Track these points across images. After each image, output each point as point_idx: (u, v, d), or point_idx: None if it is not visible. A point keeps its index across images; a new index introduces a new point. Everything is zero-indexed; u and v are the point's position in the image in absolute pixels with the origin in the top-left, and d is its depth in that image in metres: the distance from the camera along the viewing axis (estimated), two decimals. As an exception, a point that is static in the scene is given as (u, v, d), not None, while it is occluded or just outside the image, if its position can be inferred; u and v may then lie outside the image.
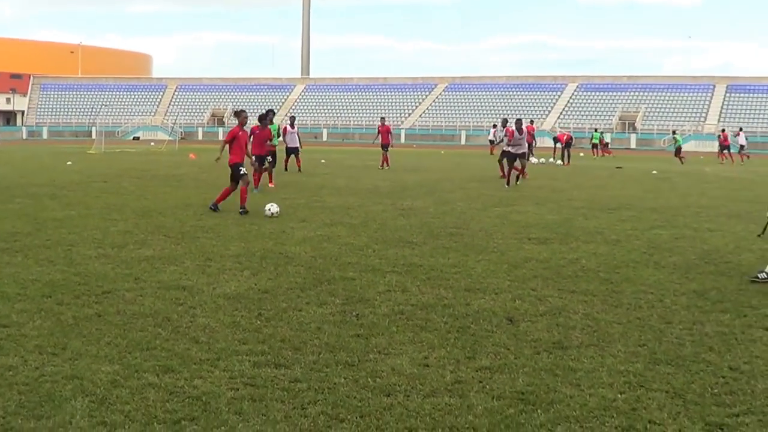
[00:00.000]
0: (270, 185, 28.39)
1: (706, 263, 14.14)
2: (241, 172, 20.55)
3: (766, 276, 12.38)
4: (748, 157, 66.23)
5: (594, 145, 71.75)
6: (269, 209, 19.52)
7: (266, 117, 27.22)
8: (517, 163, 32.03)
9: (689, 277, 12.94)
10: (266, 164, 27.46)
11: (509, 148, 31.36)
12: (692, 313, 10.47)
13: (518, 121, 31.92)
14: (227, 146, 21.06)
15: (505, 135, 32.40)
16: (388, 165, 40.95)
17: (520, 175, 32.95)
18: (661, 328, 9.66)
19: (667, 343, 9.05)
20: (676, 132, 70.09)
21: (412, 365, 7.99)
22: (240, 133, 20.80)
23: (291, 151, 37.20)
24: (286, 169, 36.32)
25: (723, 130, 69.50)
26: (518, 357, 8.34)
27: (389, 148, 42.11)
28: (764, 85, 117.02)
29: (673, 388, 7.50)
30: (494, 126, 44.80)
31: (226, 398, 6.95)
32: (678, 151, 61.25)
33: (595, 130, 77.06)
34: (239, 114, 21.52)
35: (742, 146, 66.65)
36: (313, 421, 6.50)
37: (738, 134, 69.93)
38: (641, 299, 11.20)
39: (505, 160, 31.89)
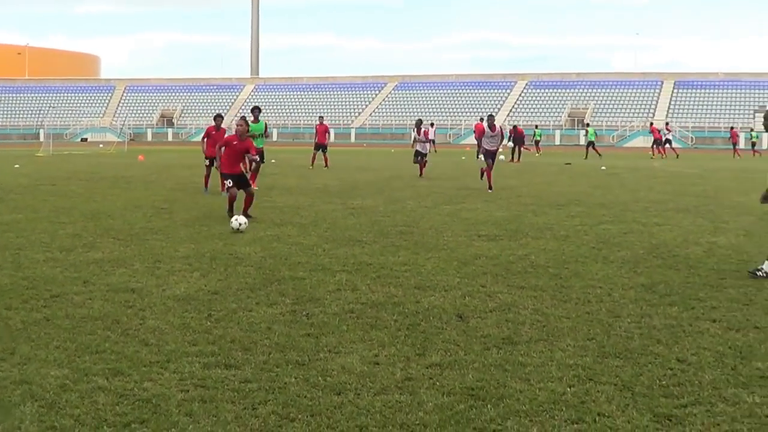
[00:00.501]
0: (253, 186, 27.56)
1: (654, 257, 14.26)
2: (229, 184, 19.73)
3: (765, 274, 12.46)
4: (664, 152, 67.10)
5: (536, 142, 72.94)
6: (238, 224, 17.14)
7: (221, 117, 27.45)
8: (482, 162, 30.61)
9: (637, 271, 13.05)
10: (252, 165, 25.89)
11: (486, 146, 29.71)
12: (640, 307, 10.56)
13: (490, 117, 30.66)
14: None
15: (474, 132, 32.21)
16: (327, 165, 40.45)
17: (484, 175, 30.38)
18: (609, 322, 9.73)
19: (615, 336, 9.12)
20: (590, 125, 71.21)
21: (362, 363, 7.99)
22: (234, 142, 19.68)
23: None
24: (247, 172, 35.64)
25: (651, 124, 70.51)
26: (468, 353, 8.37)
27: (327, 148, 41.71)
28: (711, 80, 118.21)
29: (622, 381, 7.55)
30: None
31: (176, 400, 6.92)
32: (590, 145, 62.72)
33: (536, 127, 78.13)
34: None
35: (668, 140, 67.40)
36: (264, 421, 6.49)
37: (666, 129, 70.73)
38: (590, 294, 11.28)
39: (489, 161, 29.58)
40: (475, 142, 63.66)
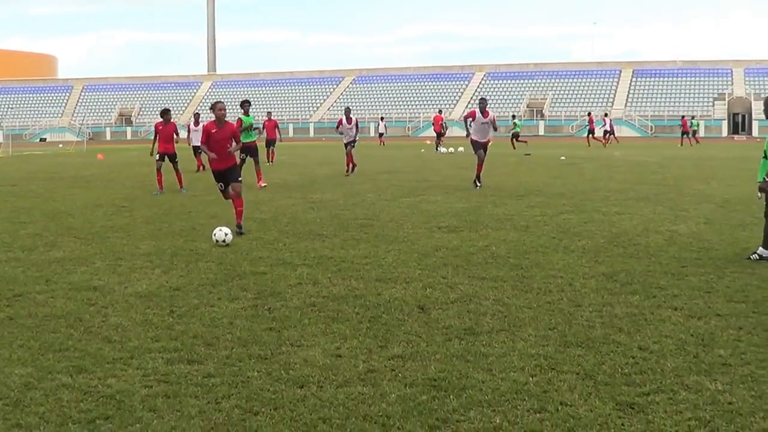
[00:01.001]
0: (260, 184, 26.81)
1: (614, 246, 14.34)
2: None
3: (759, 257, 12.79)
4: (616, 140, 67.93)
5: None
6: (224, 236, 14.83)
7: (169, 112, 26.96)
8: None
9: (598, 260, 13.12)
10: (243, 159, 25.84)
11: (476, 136, 26.24)
12: (602, 296, 10.62)
13: (482, 101, 26.64)
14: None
15: (467, 118, 26.28)
16: (272, 161, 39.86)
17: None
18: (571, 311, 9.79)
19: (577, 325, 9.17)
20: (516, 117, 71.96)
21: (324, 356, 8.01)
22: (212, 130, 16.84)
23: (197, 149, 34.77)
24: (198, 171, 34.90)
25: (589, 113, 71.40)
26: (430, 344, 8.39)
27: (275, 144, 40.56)
28: (669, 69, 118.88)
29: (584, 370, 7.60)
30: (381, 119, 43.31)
31: (140, 396, 6.91)
32: (515, 136, 63.98)
33: (513, 117, 78.46)
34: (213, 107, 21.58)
35: (606, 131, 68.20)
36: (228, 415, 6.49)
37: (604, 118, 71.52)
38: (551, 283, 11.34)
39: (480, 152, 26.28)
40: (434, 135, 64.04)
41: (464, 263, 12.85)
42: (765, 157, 13.07)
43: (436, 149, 58.18)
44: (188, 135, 36.31)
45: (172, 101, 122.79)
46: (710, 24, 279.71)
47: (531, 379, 7.34)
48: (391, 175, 32.01)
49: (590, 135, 66.04)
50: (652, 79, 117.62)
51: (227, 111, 16.53)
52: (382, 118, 79.98)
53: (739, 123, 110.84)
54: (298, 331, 8.92)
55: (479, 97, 28.03)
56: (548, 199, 22.27)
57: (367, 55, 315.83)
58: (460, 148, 56.05)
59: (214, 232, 14.85)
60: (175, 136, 26.68)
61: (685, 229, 16.36)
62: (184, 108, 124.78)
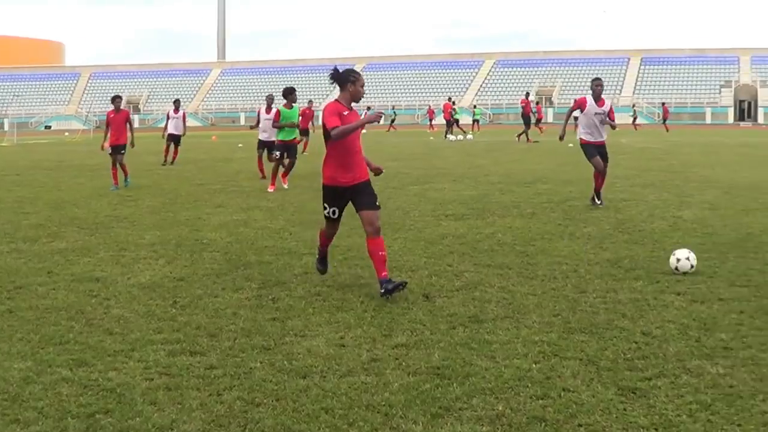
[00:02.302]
0: (284, 184, 23.07)
1: (620, 232, 14.33)
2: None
3: None
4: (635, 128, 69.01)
5: (475, 121, 75.07)
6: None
7: (119, 98, 24.43)
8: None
9: (603, 246, 13.11)
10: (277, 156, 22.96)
11: (587, 136, 18.68)
12: (606, 282, 10.62)
13: (597, 82, 18.65)
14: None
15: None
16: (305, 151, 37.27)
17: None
18: (575, 298, 9.79)
19: (581, 312, 9.17)
20: (477, 107, 72.80)
21: (328, 346, 7.99)
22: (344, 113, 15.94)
23: (172, 138, 33.73)
24: (164, 163, 33.55)
25: (450, 100, 72.66)
26: (434, 332, 8.37)
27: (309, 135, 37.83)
28: (678, 56, 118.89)
29: (587, 356, 7.59)
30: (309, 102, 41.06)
31: (140, 389, 6.87)
32: (475, 122, 67.69)
33: (475, 107, 79.22)
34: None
35: (476, 121, 70.76)
36: (229, 407, 6.46)
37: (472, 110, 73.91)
38: (556, 270, 11.33)
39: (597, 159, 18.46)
40: (444, 123, 63.99)
41: (470, 251, 12.83)
42: None
43: (445, 136, 58.17)
44: (166, 122, 34.65)
45: (181, 89, 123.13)
46: (718, 12, 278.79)
47: (534, 365, 7.33)
48: (399, 163, 32.01)
49: (448, 125, 65.98)
50: (660, 66, 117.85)
51: (231, 97, 16.54)
52: (369, 107, 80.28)
53: (745, 110, 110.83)
54: (302, 321, 8.90)
55: (592, 78, 19.03)
56: (555, 186, 22.27)
57: (378, 43, 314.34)
58: (469, 136, 56.04)
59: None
60: (127, 125, 24.06)
61: (689, 215, 16.34)
62: (192, 96, 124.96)
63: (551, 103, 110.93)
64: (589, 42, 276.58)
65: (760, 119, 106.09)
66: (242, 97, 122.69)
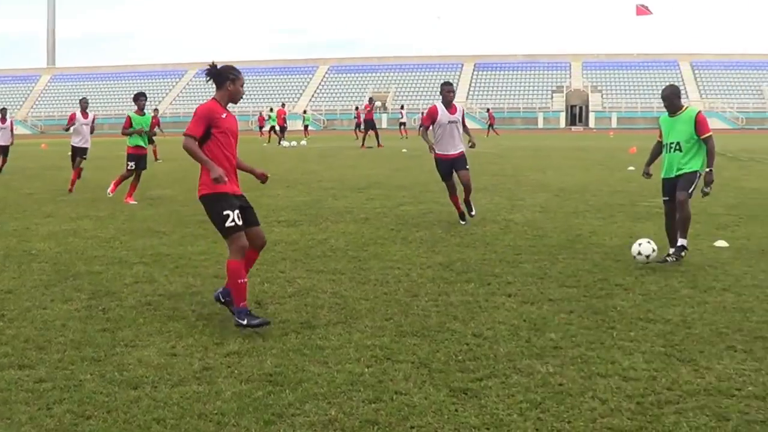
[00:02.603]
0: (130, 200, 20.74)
1: (451, 236, 14.53)
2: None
3: (674, 259, 12.20)
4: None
5: (305, 126, 76.45)
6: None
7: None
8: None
9: (435, 250, 13.27)
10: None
11: (441, 149, 16.57)
12: (438, 285, 10.75)
13: (446, 87, 16.56)
14: None
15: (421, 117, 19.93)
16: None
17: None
18: (407, 301, 9.88)
19: (413, 315, 9.26)
20: (306, 112, 74.12)
21: (159, 356, 7.89)
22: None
23: (0, 149, 30.60)
24: None
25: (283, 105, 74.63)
26: (266, 339, 8.35)
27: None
28: (510, 62, 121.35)
29: (419, 359, 7.67)
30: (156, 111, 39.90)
31: (-34, 404, 6.69)
32: (306, 128, 69.12)
33: (305, 112, 79.89)
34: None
35: (401, 123, 73.92)
36: (59, 421, 6.32)
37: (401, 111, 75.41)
38: (388, 275, 11.43)
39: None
40: (268, 130, 63.97)
41: (303, 257, 12.84)
42: (676, 148, 12.37)
43: (279, 143, 58.11)
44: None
45: (8, 96, 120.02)
46: (549, 19, 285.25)
47: (367, 369, 7.38)
48: (233, 170, 31.68)
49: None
50: (493, 72, 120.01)
51: (62, 104, 16.05)
52: (402, 107, 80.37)
53: (576, 115, 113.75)
54: (133, 331, 8.76)
55: (442, 82, 16.88)
56: (388, 191, 22.44)
57: (210, 48, 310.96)
58: (303, 142, 56.08)
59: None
60: None
61: (520, 218, 16.68)
62: (21, 104, 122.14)
63: (385, 108, 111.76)
64: (424, 48, 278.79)
65: (591, 124, 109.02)
66: (73, 103, 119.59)
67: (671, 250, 12.30)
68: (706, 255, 12.68)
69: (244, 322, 8.60)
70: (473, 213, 16.52)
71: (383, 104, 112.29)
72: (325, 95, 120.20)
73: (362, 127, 57.51)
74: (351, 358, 7.72)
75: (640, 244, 12.07)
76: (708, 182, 12.12)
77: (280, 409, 6.49)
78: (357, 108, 72.00)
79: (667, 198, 12.60)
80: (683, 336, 8.39)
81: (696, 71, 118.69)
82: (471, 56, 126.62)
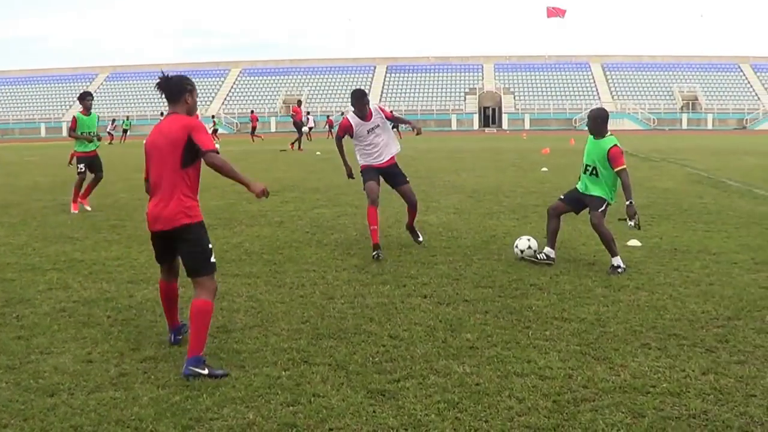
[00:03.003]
0: (83, 204, 20.16)
1: (366, 239, 14.50)
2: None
3: (545, 257, 12.30)
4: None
5: (215, 131, 75.78)
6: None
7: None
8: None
9: (351, 252, 13.32)
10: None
11: (364, 159, 14.24)
12: (354, 287, 10.80)
13: (357, 95, 13.92)
14: None
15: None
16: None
17: None
18: (323, 304, 9.92)
19: (329, 318, 9.31)
20: (215, 116, 75.37)
21: (75, 362, 7.84)
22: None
23: None
24: None
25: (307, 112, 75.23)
26: (182, 344, 8.31)
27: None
28: (423, 65, 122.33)
29: (336, 361, 7.73)
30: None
31: None
32: (215, 132, 69.15)
33: (213, 116, 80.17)
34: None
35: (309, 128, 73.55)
36: (-26, 431, 6.29)
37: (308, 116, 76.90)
38: (304, 277, 11.46)
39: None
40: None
41: (217, 261, 12.70)
42: (592, 173, 12.24)
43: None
44: None
45: None
46: (461, 21, 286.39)
47: (284, 372, 7.41)
48: (143, 174, 31.37)
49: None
50: (406, 74, 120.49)
51: None
52: (308, 113, 79.70)
53: (489, 116, 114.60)
54: (48, 338, 8.69)
55: (353, 89, 14.31)
56: (303, 194, 22.45)
57: (120, 52, 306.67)
58: (216, 145, 55.71)
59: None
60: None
61: (435, 220, 16.80)
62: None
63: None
64: (337, 50, 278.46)
65: (504, 125, 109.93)
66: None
67: (546, 249, 12.44)
68: (620, 254, 12.88)
69: (205, 372, 7.40)
70: (420, 239, 14.29)
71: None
72: (237, 98, 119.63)
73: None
74: (268, 361, 7.74)
75: (520, 239, 12.32)
76: (631, 215, 11.83)
77: (197, 413, 6.50)
78: (308, 112, 72.32)
79: (562, 198, 12.67)
80: (598, 334, 8.55)
81: (607, 73, 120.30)
82: (383, 58, 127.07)
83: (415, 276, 11.42)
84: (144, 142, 8.49)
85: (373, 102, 15.09)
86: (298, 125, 53.50)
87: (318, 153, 44.85)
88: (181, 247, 8.19)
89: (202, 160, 8.26)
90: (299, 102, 58.44)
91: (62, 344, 8.48)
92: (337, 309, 9.68)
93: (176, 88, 8.22)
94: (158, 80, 8.22)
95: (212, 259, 8.16)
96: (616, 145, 11.96)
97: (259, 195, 8.27)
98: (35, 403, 6.81)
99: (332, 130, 76.04)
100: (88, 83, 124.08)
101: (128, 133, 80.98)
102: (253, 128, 73.16)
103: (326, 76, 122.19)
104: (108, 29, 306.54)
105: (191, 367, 7.36)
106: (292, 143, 52.81)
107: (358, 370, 7.45)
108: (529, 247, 12.29)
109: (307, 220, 17.22)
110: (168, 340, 8.46)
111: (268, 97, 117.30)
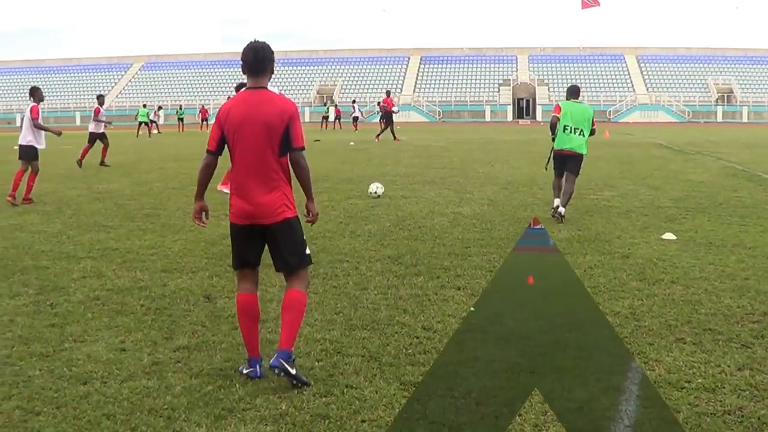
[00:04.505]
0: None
1: (400, 229, 14.54)
2: None
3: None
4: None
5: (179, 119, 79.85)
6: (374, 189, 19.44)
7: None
8: None
9: (384, 243, 13.28)
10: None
11: None
12: (387, 278, 10.77)
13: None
14: None
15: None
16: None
17: None
18: (356, 295, 9.90)
19: (362, 308, 9.28)
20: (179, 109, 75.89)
21: (108, 351, 7.86)
22: None
23: None
24: None
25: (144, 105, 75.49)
26: (216, 334, 8.34)
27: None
28: (457, 55, 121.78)
29: (369, 352, 7.71)
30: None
31: None
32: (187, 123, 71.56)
33: (144, 106, 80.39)
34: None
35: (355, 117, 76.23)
36: (8, 417, 6.29)
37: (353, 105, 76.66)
38: (337, 268, 11.43)
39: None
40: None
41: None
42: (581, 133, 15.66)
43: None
44: None
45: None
46: (495, 13, 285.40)
47: (317, 363, 7.40)
48: (180, 164, 31.57)
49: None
50: (440, 65, 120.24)
51: (6, 97, 15.67)
52: (354, 101, 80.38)
53: (523, 108, 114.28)
54: (82, 326, 8.72)
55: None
56: (336, 184, 22.41)
57: (154, 42, 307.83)
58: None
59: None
60: None
61: (469, 211, 16.73)
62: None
63: (333, 101, 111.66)
64: (370, 41, 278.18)
65: (539, 116, 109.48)
66: (18, 98, 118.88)
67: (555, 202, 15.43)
68: (654, 248, 12.80)
69: (293, 372, 6.86)
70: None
71: (331, 97, 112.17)
72: (272, 88, 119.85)
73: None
74: (301, 351, 7.72)
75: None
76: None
77: (230, 403, 6.50)
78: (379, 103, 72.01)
79: (558, 172, 16.25)
80: (632, 329, 8.48)
81: (642, 65, 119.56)
82: (417, 49, 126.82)
83: (448, 268, 11.38)
84: (220, 113, 7.55)
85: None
86: (388, 115, 50.56)
87: (351, 143, 44.79)
88: (281, 241, 7.37)
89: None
90: (388, 92, 55.06)
91: (96, 332, 8.50)
92: (370, 300, 9.66)
93: (262, 54, 7.41)
94: (242, 50, 7.37)
95: (308, 251, 7.49)
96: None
97: (312, 219, 7.73)
98: (68, 390, 6.83)
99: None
100: (123, 72, 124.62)
101: (184, 121, 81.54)
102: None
103: (360, 67, 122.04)
104: (143, 19, 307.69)
105: (282, 360, 6.79)
106: (379, 134, 50.16)
107: (391, 362, 7.42)
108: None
109: (340, 210, 17.19)
110: (250, 375, 7.15)
111: (303, 87, 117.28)
